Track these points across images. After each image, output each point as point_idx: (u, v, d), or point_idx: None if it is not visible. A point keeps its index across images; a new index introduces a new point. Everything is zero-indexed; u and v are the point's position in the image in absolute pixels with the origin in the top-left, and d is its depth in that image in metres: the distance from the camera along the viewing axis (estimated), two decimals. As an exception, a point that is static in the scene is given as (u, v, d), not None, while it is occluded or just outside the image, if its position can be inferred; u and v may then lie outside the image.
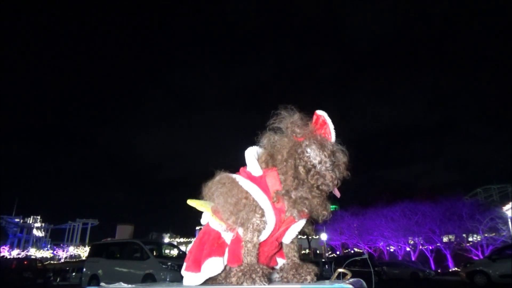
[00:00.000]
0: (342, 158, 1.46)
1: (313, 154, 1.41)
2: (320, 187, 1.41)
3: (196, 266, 1.53)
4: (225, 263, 1.55)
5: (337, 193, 1.49)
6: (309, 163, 1.41)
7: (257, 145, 1.61)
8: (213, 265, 1.50)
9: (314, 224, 1.63)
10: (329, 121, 1.47)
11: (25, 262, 17.53)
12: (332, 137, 1.47)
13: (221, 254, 1.55)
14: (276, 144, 1.51)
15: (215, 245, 1.57)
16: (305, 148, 1.43)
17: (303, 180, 1.40)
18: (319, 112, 1.49)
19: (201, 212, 1.69)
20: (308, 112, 1.55)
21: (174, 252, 17.73)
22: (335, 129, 1.47)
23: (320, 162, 1.41)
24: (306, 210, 1.41)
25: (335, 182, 1.43)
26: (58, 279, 23.26)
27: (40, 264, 18.03)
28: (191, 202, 1.67)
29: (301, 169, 1.41)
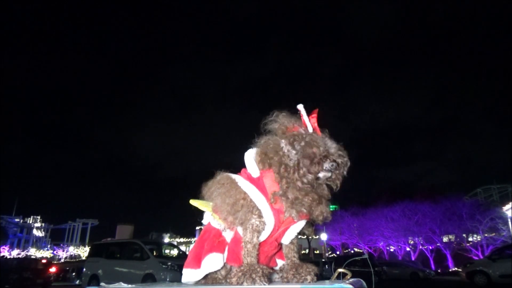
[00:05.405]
0: (309, 149, 1.40)
1: (285, 149, 1.46)
2: (302, 178, 1.39)
3: (196, 263, 1.55)
4: (225, 260, 1.56)
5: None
6: (284, 158, 1.45)
7: (255, 146, 1.61)
8: (213, 261, 1.52)
9: (313, 225, 1.63)
10: (303, 112, 1.52)
11: (43, 261, 17.87)
12: (309, 128, 1.50)
13: (222, 251, 1.56)
14: (269, 144, 1.53)
15: (216, 242, 1.59)
16: (283, 144, 1.47)
17: (285, 177, 1.42)
18: (299, 106, 1.55)
19: (201, 212, 1.70)
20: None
21: (174, 252, 17.74)
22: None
23: (288, 154, 1.44)
24: (305, 211, 1.42)
25: (303, 169, 1.38)
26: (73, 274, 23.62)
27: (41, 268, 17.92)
28: (193, 202, 1.68)
29: (282, 166, 1.43)
